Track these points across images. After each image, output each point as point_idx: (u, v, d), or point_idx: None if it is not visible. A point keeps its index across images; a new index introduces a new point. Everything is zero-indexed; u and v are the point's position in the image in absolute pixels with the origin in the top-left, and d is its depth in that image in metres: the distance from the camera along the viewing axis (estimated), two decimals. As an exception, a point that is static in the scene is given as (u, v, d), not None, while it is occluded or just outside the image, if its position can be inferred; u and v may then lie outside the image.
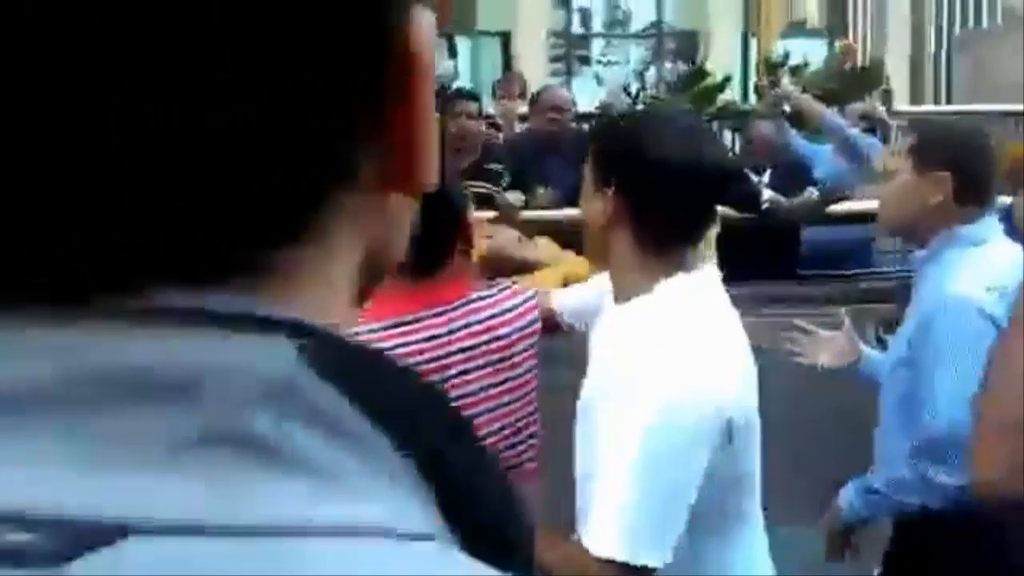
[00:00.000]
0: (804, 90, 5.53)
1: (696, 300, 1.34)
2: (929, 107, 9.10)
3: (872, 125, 5.09)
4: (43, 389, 0.25)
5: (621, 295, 1.38)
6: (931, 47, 11.11)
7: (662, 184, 1.31)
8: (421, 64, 0.28)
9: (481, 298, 1.75)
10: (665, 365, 1.24)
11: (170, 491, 0.24)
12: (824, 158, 4.60)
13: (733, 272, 3.14)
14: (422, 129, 0.29)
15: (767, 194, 4.20)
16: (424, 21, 0.28)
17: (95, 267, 0.26)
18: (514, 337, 1.74)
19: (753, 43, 8.34)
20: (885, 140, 5.34)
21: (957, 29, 11.22)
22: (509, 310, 1.76)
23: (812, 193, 4.28)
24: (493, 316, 1.74)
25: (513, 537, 0.29)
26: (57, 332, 0.25)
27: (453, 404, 0.30)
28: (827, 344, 2.14)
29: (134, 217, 0.25)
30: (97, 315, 0.25)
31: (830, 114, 4.72)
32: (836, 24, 10.83)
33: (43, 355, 0.25)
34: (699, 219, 1.38)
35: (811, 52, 8.45)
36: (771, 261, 3.92)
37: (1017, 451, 1.25)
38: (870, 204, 4.24)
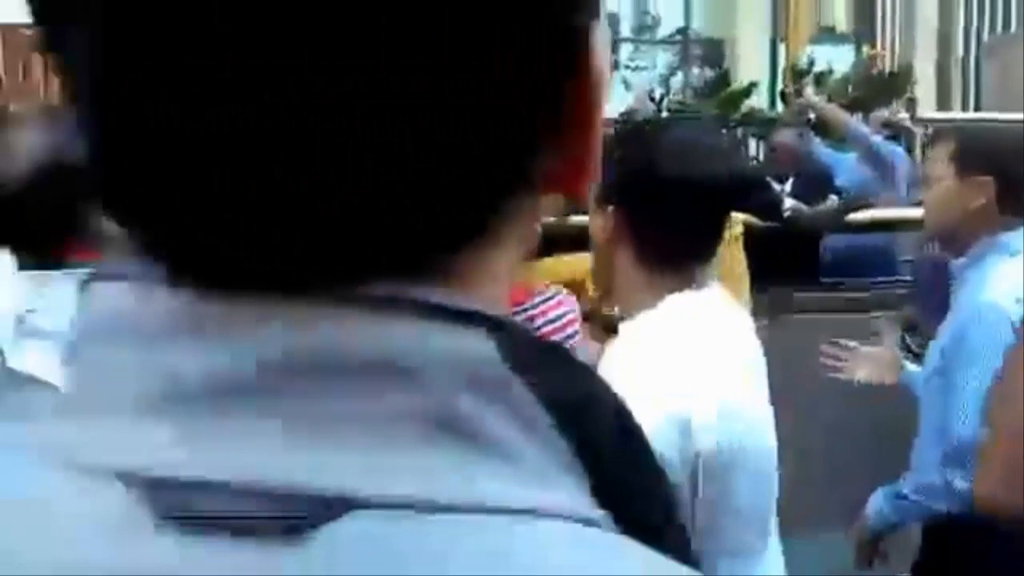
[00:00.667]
0: (829, 98, 5.53)
1: (690, 321, 1.23)
2: (956, 114, 9.04)
3: (896, 132, 5.09)
4: (270, 369, 0.26)
5: (625, 313, 1.32)
6: (959, 53, 11.01)
7: (662, 200, 1.23)
8: (598, 75, 0.29)
9: (534, 305, 1.75)
10: (636, 390, 1.12)
11: (388, 467, 0.26)
12: (847, 166, 4.60)
13: (754, 279, 3.18)
14: (594, 135, 0.30)
15: (789, 202, 4.23)
16: (600, 33, 0.30)
17: (315, 257, 0.27)
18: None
19: (781, 49, 8.33)
20: (909, 148, 5.33)
21: (986, 34, 11.11)
22: (555, 320, 1.78)
23: (834, 201, 4.30)
24: (545, 323, 1.76)
25: (662, 531, 0.30)
26: (281, 316, 0.26)
27: (619, 399, 0.31)
28: (868, 360, 2.11)
29: (351, 215, 0.26)
30: (317, 301, 0.27)
31: (854, 122, 4.72)
32: (864, 30, 10.77)
33: (270, 338, 0.26)
34: (704, 235, 1.29)
35: (838, 58, 8.42)
36: (793, 268, 3.95)
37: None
38: (893, 212, 4.28)
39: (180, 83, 0.25)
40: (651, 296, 1.26)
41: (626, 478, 0.29)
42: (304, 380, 0.26)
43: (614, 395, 0.31)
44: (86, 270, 1.20)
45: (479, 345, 0.27)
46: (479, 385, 0.27)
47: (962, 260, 1.89)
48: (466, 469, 0.26)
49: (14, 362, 1.17)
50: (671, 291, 1.26)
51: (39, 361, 1.16)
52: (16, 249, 1.22)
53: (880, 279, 4.09)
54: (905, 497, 1.84)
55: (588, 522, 0.27)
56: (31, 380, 1.16)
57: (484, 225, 0.29)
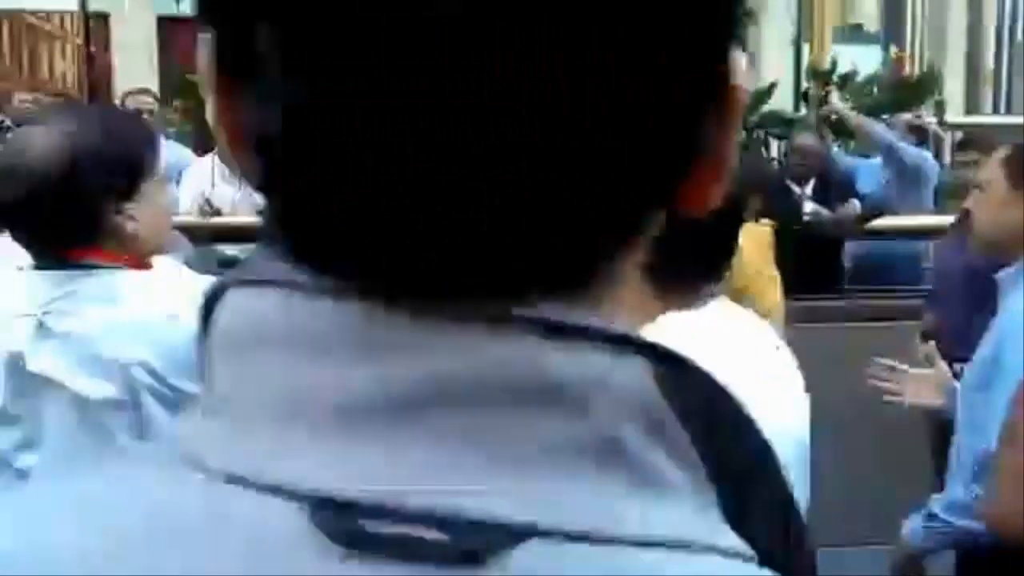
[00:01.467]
0: (853, 105, 5.41)
1: (688, 338, 1.29)
2: (985, 118, 8.86)
3: (923, 137, 4.97)
4: (438, 391, 0.26)
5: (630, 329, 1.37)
6: (990, 54, 10.81)
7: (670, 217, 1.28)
8: (737, 99, 0.30)
9: None
10: None
11: (561, 497, 0.26)
12: (870, 172, 4.49)
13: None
14: (729, 155, 0.31)
15: (809, 206, 4.11)
16: (740, 59, 0.30)
17: (475, 275, 0.27)
18: None
19: (805, 49, 8.21)
20: (937, 153, 5.19)
21: (1019, 36, 10.90)
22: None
23: (856, 206, 4.18)
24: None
25: (791, 559, 0.30)
26: (448, 337, 0.27)
27: (756, 426, 0.31)
28: (919, 382, 2.03)
29: (514, 232, 0.27)
30: (482, 322, 0.27)
31: (881, 130, 4.60)
32: (891, 29, 10.60)
33: (438, 359, 0.26)
34: (714, 253, 1.28)
35: (865, 59, 8.27)
36: (813, 275, 3.84)
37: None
38: (918, 219, 4.15)
39: (357, 101, 0.26)
40: (656, 312, 1.27)
41: (759, 505, 0.30)
42: (472, 403, 0.26)
43: (749, 418, 0.31)
44: (107, 270, 1.07)
45: (638, 372, 0.28)
46: (640, 414, 0.27)
47: (1008, 271, 1.84)
48: (632, 500, 0.27)
49: (32, 364, 1.15)
50: (679, 308, 1.23)
51: (53, 362, 1.14)
52: (35, 247, 1.19)
53: (905, 287, 3.96)
54: (935, 516, 1.77)
55: (744, 557, 0.28)
56: (48, 382, 1.15)
57: (626, 241, 0.29)
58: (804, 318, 3.18)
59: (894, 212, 4.18)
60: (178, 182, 3.93)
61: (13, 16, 14.33)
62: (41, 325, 1.15)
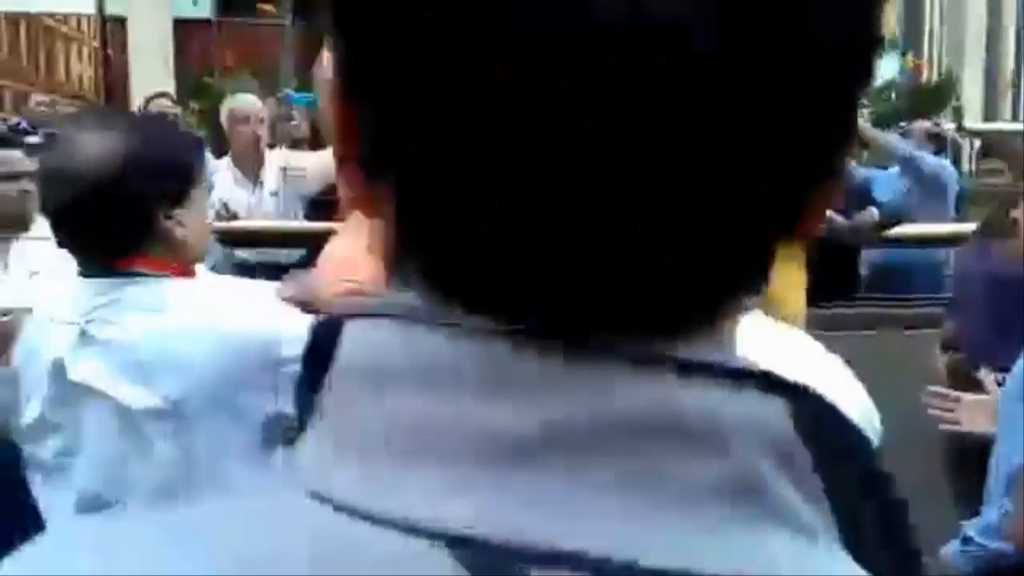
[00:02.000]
0: (871, 111, 5.37)
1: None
2: (1004, 125, 8.78)
3: (942, 145, 4.93)
4: (582, 429, 0.26)
5: None
6: (1009, 61, 10.74)
7: None
8: (851, 142, 0.30)
9: None
10: None
11: (713, 540, 0.26)
12: (886, 181, 4.46)
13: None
14: (836, 193, 0.31)
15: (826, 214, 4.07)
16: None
17: (608, 313, 0.27)
18: None
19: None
20: (955, 160, 5.15)
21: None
22: None
23: (873, 213, 4.15)
24: None
25: None
26: (589, 375, 0.26)
27: (870, 449, 0.31)
28: (974, 409, 1.97)
29: (655, 269, 0.26)
30: (619, 358, 0.26)
31: (894, 140, 4.57)
32: (910, 36, 10.54)
33: (579, 396, 0.26)
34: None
35: (883, 65, 8.23)
36: (830, 282, 3.81)
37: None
38: (937, 227, 4.12)
39: (508, 131, 0.25)
40: None
41: (874, 533, 0.29)
42: (615, 444, 0.26)
43: (864, 442, 0.31)
44: (152, 278, 1.05)
45: (772, 408, 0.27)
46: (773, 449, 0.27)
47: None
48: (776, 541, 0.26)
49: (73, 372, 1.14)
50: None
51: (95, 370, 1.14)
52: (82, 254, 1.19)
53: (923, 295, 3.92)
54: (970, 539, 1.72)
55: None
56: (89, 390, 1.14)
57: (753, 277, 0.29)
58: (821, 325, 3.15)
59: (912, 220, 4.15)
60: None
61: (30, 18, 14.44)
62: (83, 333, 1.15)
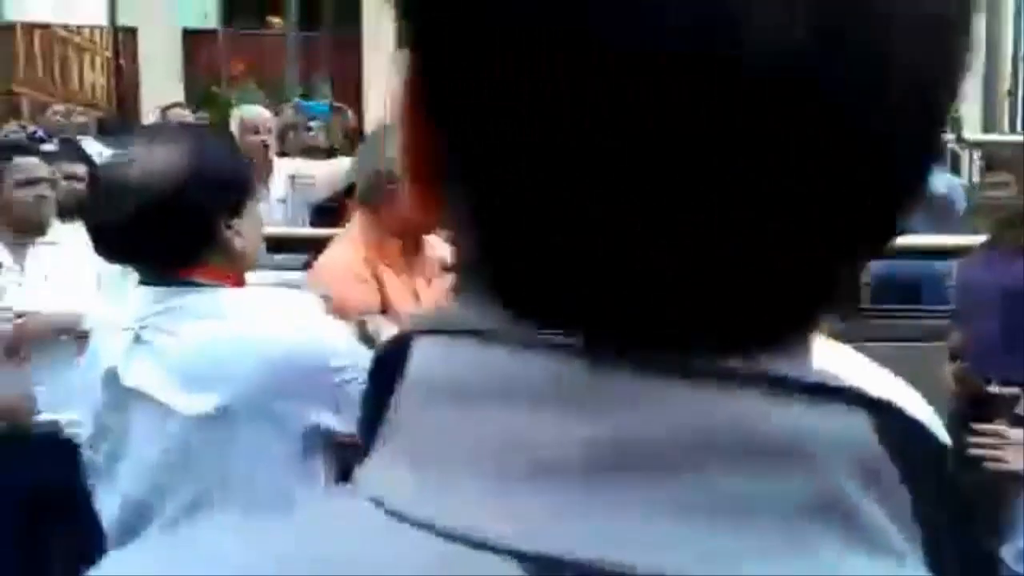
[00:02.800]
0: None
1: None
2: (1002, 136, 8.78)
3: (941, 156, 4.89)
4: (667, 446, 0.25)
5: None
6: (1007, 72, 10.75)
7: None
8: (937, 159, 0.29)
9: None
10: None
11: (795, 561, 0.25)
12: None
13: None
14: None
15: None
16: None
17: (699, 329, 0.26)
18: None
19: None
20: (955, 170, 5.14)
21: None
22: None
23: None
24: None
25: None
26: (662, 391, 0.26)
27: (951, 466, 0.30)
28: (1020, 448, 1.91)
29: (745, 285, 0.26)
30: (703, 375, 0.26)
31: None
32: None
33: (664, 413, 0.25)
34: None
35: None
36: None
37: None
38: (939, 240, 4.11)
39: (587, 145, 0.24)
40: None
41: (957, 551, 0.29)
42: (700, 461, 0.25)
43: (947, 456, 0.31)
44: (208, 287, 1.07)
45: (858, 423, 0.27)
46: (862, 468, 0.26)
47: None
48: (860, 562, 0.26)
49: (126, 378, 1.16)
50: None
51: (147, 376, 1.15)
52: (143, 263, 1.20)
53: (927, 308, 3.93)
54: (1003, 563, 1.68)
55: None
56: (140, 396, 1.15)
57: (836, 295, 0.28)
58: (825, 338, 3.15)
59: (915, 231, 4.15)
60: None
61: (45, 29, 14.50)
62: (137, 338, 1.16)
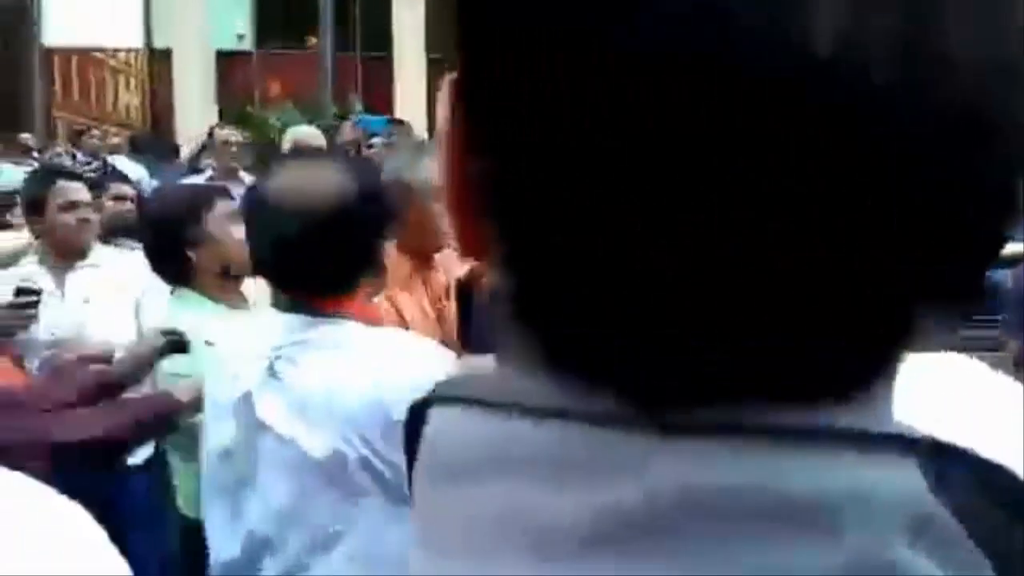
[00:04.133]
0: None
1: None
2: None
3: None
4: (703, 509, 0.23)
5: None
6: None
7: None
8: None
9: None
10: None
11: None
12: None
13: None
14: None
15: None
16: None
17: (740, 385, 0.24)
18: None
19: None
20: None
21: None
22: None
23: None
24: None
25: None
26: (706, 451, 0.24)
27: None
28: None
29: (769, 336, 0.24)
30: (715, 433, 0.24)
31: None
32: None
33: (665, 476, 0.24)
34: None
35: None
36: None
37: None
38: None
39: (644, 209, 0.23)
40: None
41: None
42: (712, 523, 0.23)
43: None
44: (342, 319, 1.02)
45: (909, 475, 0.24)
46: (910, 521, 0.24)
47: None
48: None
49: (259, 408, 1.14)
50: None
51: (275, 409, 1.14)
52: (292, 288, 1.17)
53: (983, 318, 3.83)
54: None
55: None
56: (268, 429, 1.14)
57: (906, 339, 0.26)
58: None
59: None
60: None
61: (81, 52, 14.86)
62: (271, 369, 1.14)
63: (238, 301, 1.77)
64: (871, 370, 0.25)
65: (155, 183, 5.98)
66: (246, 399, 1.14)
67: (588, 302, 0.24)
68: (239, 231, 1.72)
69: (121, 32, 12.55)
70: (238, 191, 3.89)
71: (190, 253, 1.72)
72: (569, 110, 0.23)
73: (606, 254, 0.24)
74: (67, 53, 13.15)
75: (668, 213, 0.23)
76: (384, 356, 1.10)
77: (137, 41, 12.50)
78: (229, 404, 1.16)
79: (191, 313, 1.69)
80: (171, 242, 1.73)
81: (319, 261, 1.12)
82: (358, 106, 8.24)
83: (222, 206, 1.76)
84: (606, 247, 0.23)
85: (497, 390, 0.26)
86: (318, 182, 1.13)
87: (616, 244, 0.23)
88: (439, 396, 0.28)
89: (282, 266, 1.15)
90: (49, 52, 12.49)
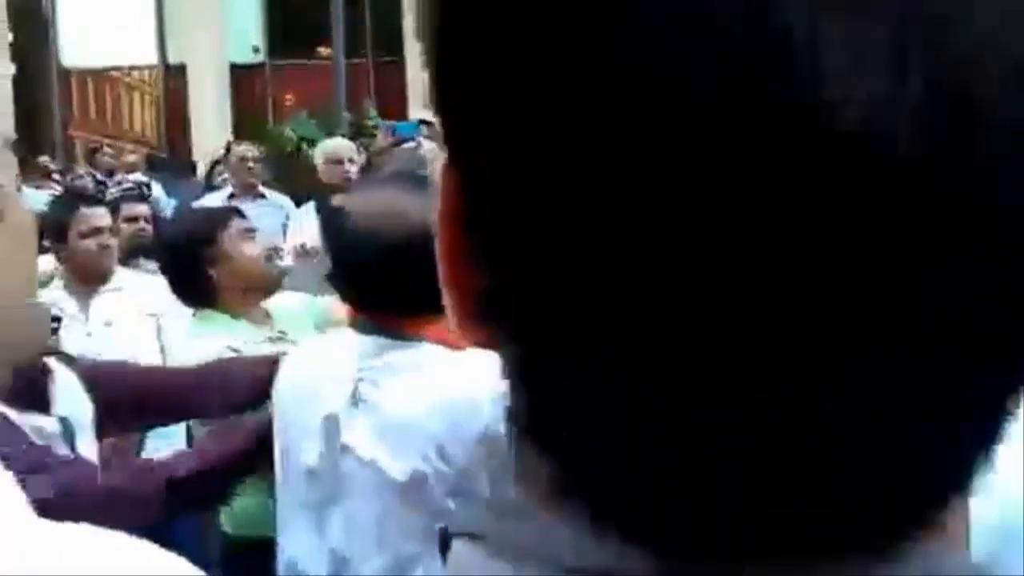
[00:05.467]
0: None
1: None
2: None
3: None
4: None
5: None
6: None
7: None
8: None
9: None
10: None
11: None
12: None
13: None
14: None
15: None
16: None
17: (796, 538, 0.21)
18: None
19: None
20: None
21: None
22: None
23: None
24: None
25: None
26: None
27: None
28: None
29: (837, 486, 0.21)
30: None
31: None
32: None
33: None
34: None
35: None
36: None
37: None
38: None
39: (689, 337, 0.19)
40: None
41: None
42: None
43: None
44: (425, 342, 1.00)
45: None
46: None
47: None
48: None
49: (344, 432, 1.14)
50: None
51: (360, 432, 1.14)
52: (373, 310, 1.15)
53: None
54: None
55: None
56: (355, 453, 1.14)
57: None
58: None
59: None
60: (284, 229, 4.01)
61: (99, 73, 14.97)
62: (355, 392, 1.14)
63: (260, 317, 1.79)
64: (944, 505, 0.22)
65: (172, 201, 6.02)
66: (331, 421, 1.14)
67: (617, 439, 0.21)
68: (252, 248, 1.80)
69: (136, 49, 12.65)
70: (257, 207, 3.89)
71: (211, 273, 1.74)
72: (590, 224, 0.19)
73: (634, 378, 0.20)
74: (84, 73, 13.28)
75: (724, 338, 0.19)
76: (465, 378, 1.09)
77: (152, 57, 12.60)
78: (314, 425, 1.16)
79: (214, 332, 1.70)
80: (190, 265, 1.75)
81: (405, 284, 1.09)
82: (372, 112, 8.26)
83: (236, 225, 1.80)
84: (636, 374, 0.20)
85: (524, 535, 0.23)
86: (404, 204, 1.12)
87: (652, 376, 0.20)
88: (462, 531, 0.25)
89: (368, 289, 1.15)
90: (67, 72, 12.62)
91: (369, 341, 1.15)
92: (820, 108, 0.18)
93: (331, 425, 1.14)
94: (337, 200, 1.23)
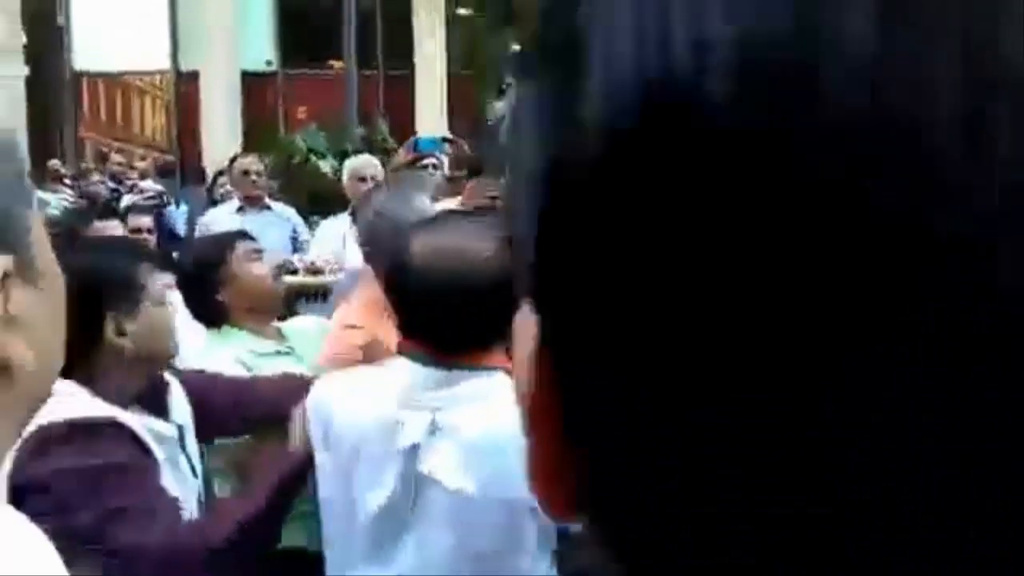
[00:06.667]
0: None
1: None
2: None
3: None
4: None
5: None
6: None
7: None
8: None
9: None
10: None
11: None
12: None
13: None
14: None
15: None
16: None
17: None
18: None
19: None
20: None
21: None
22: None
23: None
24: None
25: None
26: None
27: None
28: None
29: None
30: None
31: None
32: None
33: None
34: None
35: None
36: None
37: None
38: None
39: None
40: None
41: None
42: None
43: None
44: (489, 370, 1.15)
45: None
46: None
47: None
48: None
49: (421, 461, 1.15)
50: None
51: (438, 461, 1.14)
52: (438, 345, 1.18)
53: None
54: None
55: None
56: (434, 482, 1.14)
57: None
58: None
59: None
60: (293, 242, 4.02)
61: (110, 77, 14.99)
62: (433, 423, 1.15)
63: (272, 334, 1.85)
64: None
65: (181, 210, 6.01)
66: (410, 452, 1.15)
67: None
68: (259, 268, 1.85)
69: (149, 54, 12.71)
70: (263, 219, 3.86)
71: (221, 296, 1.79)
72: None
73: None
74: (95, 77, 13.34)
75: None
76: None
77: (164, 63, 12.66)
78: (387, 454, 1.16)
79: (229, 347, 1.75)
80: (203, 287, 1.79)
81: (477, 318, 1.13)
82: (383, 127, 8.28)
83: (242, 246, 1.85)
84: None
85: None
86: (472, 241, 1.14)
87: None
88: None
89: (440, 324, 1.16)
90: (78, 76, 12.69)
91: (436, 373, 1.16)
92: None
93: (408, 456, 1.15)
94: (412, 244, 1.19)
